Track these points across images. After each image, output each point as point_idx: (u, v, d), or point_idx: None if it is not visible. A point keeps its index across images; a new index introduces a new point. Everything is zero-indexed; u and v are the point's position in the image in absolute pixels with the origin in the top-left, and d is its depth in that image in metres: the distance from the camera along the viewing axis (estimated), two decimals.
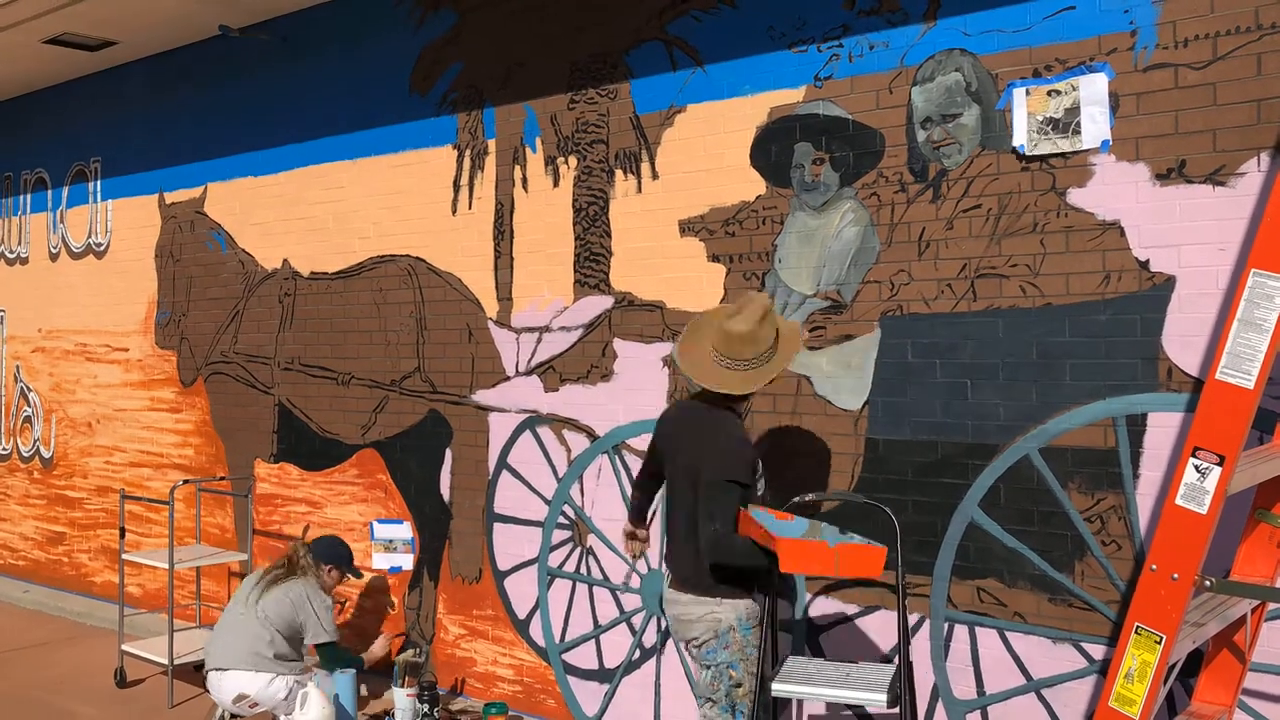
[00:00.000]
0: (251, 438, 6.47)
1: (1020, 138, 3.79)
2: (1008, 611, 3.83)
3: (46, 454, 8.03)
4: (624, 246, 4.85)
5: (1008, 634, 3.84)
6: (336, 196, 6.03)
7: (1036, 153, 3.75)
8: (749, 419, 4.37)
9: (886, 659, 4.04)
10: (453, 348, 5.48)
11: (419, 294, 5.63)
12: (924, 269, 4.00)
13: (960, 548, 3.92)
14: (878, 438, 4.11)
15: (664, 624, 4.70)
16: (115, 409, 7.44)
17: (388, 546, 5.46)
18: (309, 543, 5.08)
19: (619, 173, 4.87)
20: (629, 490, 4.81)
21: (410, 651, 5.19)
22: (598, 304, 4.93)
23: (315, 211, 6.14)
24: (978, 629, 3.90)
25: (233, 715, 4.86)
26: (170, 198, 7.04)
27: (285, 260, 6.30)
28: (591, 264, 4.96)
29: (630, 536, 4.10)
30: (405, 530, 5.48)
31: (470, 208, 5.43)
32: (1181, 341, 3.49)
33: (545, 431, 5.12)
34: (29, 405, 8.24)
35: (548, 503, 5.11)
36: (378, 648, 5.17)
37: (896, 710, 3.51)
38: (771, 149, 4.39)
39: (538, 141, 5.17)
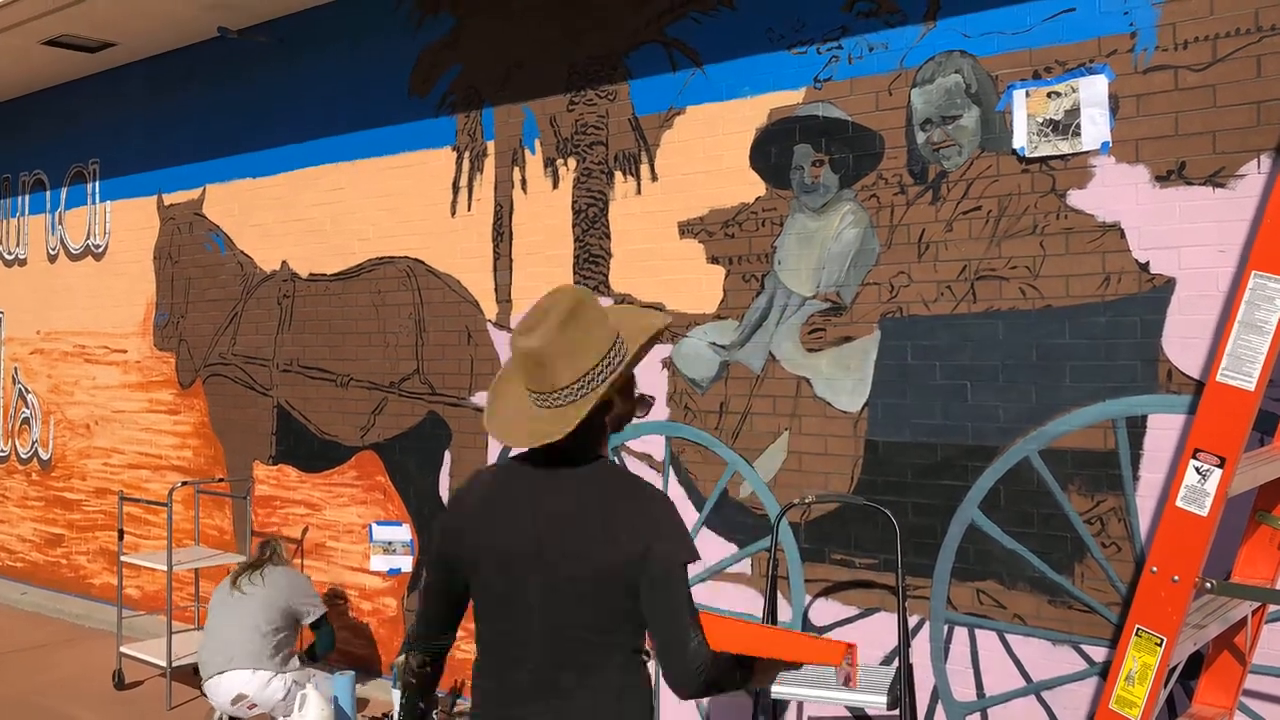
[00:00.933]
0: (250, 439, 6.46)
1: (1020, 139, 3.79)
2: (1007, 613, 3.83)
3: (45, 456, 8.02)
4: (623, 248, 4.85)
5: (1007, 636, 3.83)
6: (335, 198, 6.02)
7: (1036, 154, 3.75)
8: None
9: (886, 661, 4.03)
10: (452, 349, 5.47)
11: (418, 296, 5.62)
12: (924, 271, 3.99)
13: (960, 550, 3.92)
14: (877, 439, 4.10)
15: None
16: (114, 411, 7.43)
17: (386, 549, 5.46)
18: (270, 538, 5.21)
19: (618, 174, 4.87)
20: None
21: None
22: None
23: (314, 213, 6.13)
24: (977, 631, 3.89)
25: (231, 717, 4.85)
26: (169, 199, 7.03)
27: (284, 262, 6.29)
28: (591, 266, 4.95)
29: None
30: (404, 532, 5.48)
31: (469, 209, 5.42)
32: (1182, 343, 3.49)
33: None
34: (27, 407, 8.23)
35: None
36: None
37: (896, 712, 3.51)
38: (771, 151, 4.39)
39: (537, 143, 5.17)
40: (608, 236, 4.90)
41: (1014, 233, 3.81)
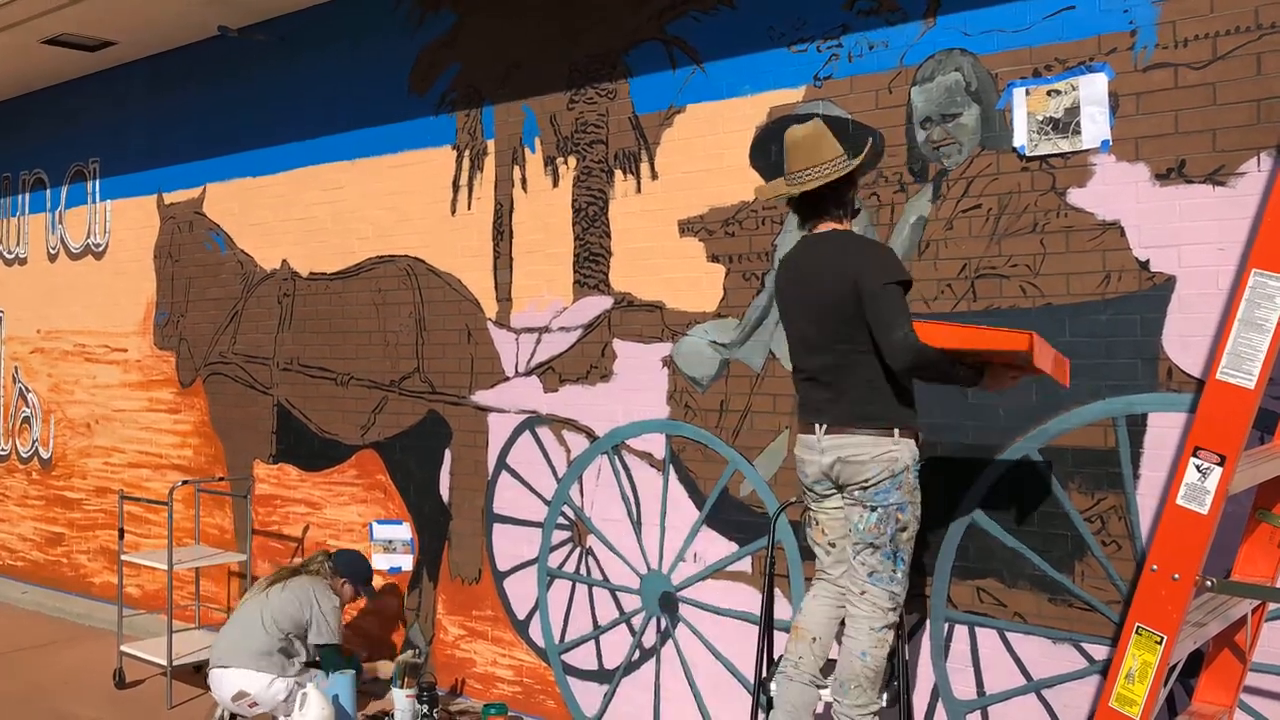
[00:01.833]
0: (250, 438, 6.46)
1: (1020, 138, 3.78)
2: (1008, 612, 3.83)
3: (45, 455, 8.02)
4: (623, 247, 4.85)
5: (1008, 634, 3.83)
6: (335, 197, 6.02)
7: (1036, 153, 3.75)
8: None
9: (886, 659, 4.03)
10: (452, 348, 5.48)
11: (418, 294, 5.62)
12: (924, 269, 3.99)
13: (960, 548, 3.92)
14: None
15: (664, 624, 4.70)
16: (114, 409, 7.43)
17: (387, 547, 5.45)
18: (332, 553, 5.15)
19: (618, 173, 4.86)
20: (628, 491, 4.81)
21: (410, 652, 5.18)
22: (597, 304, 4.93)
23: (314, 212, 6.13)
24: (978, 629, 3.90)
25: (232, 715, 4.86)
26: (169, 198, 7.03)
27: (284, 261, 6.29)
28: (591, 264, 4.95)
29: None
30: (404, 531, 5.47)
31: (469, 208, 5.42)
32: (1182, 341, 3.49)
33: (544, 432, 5.12)
34: (27, 406, 8.23)
35: (547, 503, 5.11)
36: (383, 668, 5.23)
37: (895, 709, 3.51)
38: (771, 149, 4.38)
39: (537, 142, 5.16)
40: (608, 235, 4.90)
41: (1014, 231, 3.81)
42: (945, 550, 3.94)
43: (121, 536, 6.12)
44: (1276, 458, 3.13)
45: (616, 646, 4.88)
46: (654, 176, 4.74)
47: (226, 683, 4.66)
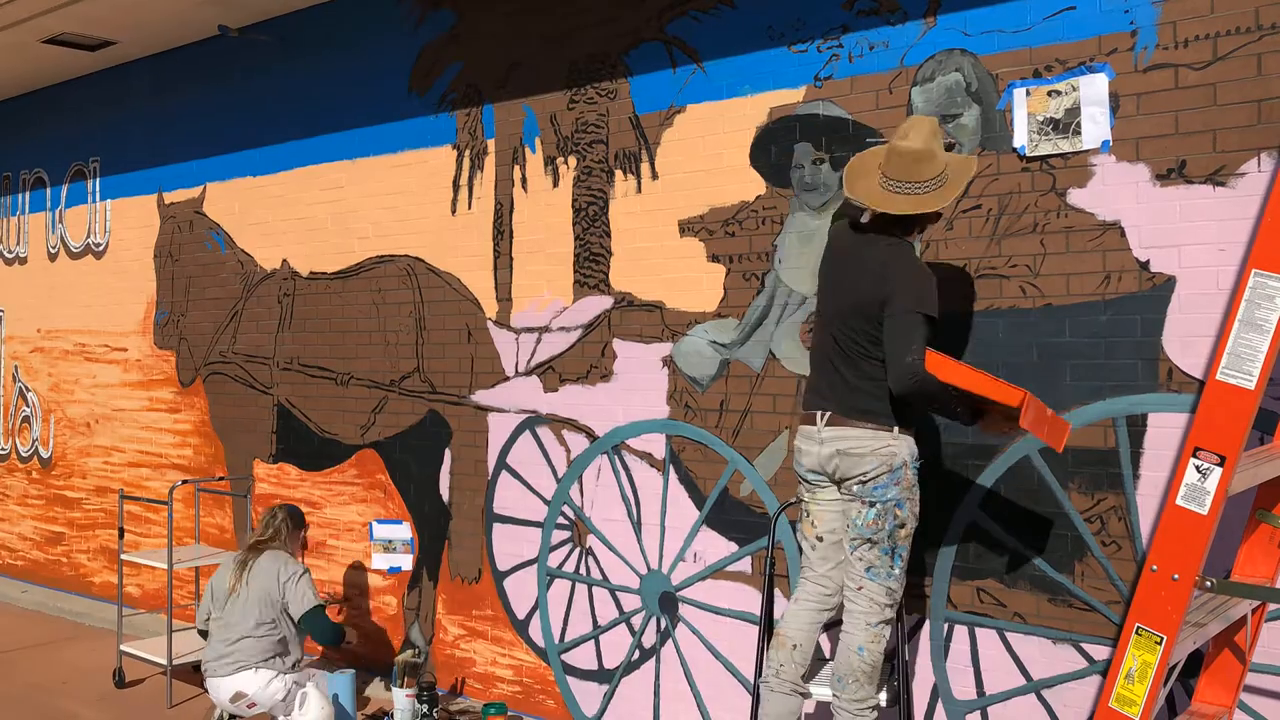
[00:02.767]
0: (250, 438, 6.46)
1: (1020, 138, 3.79)
2: (1007, 612, 3.83)
3: (45, 454, 8.03)
4: (624, 247, 4.85)
5: (1007, 634, 3.83)
6: (335, 196, 6.02)
7: (1037, 153, 3.75)
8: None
9: (886, 659, 4.03)
10: (452, 348, 5.48)
11: (418, 294, 5.62)
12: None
13: (960, 548, 3.92)
14: None
15: (663, 624, 4.70)
16: (114, 409, 7.43)
17: (387, 547, 5.45)
18: (276, 511, 4.94)
19: (619, 173, 4.87)
20: (628, 490, 4.81)
21: (410, 652, 5.18)
22: (597, 304, 4.93)
23: (314, 211, 6.13)
24: (977, 629, 3.90)
25: (231, 715, 4.85)
26: (169, 197, 7.03)
27: (284, 260, 6.29)
28: (591, 264, 4.95)
29: None
30: (404, 530, 5.47)
31: (470, 208, 5.42)
32: (1182, 342, 3.49)
33: (545, 432, 5.12)
34: (27, 405, 8.23)
35: (547, 503, 5.11)
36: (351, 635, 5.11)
37: (895, 709, 3.51)
38: (771, 149, 4.39)
39: (537, 141, 5.16)
40: (608, 235, 4.90)
41: (1014, 231, 3.81)
42: (945, 550, 3.94)
43: (121, 536, 6.12)
44: (1276, 458, 3.13)
45: (616, 646, 4.88)
46: (654, 176, 4.75)
47: (224, 686, 4.64)
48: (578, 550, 5.01)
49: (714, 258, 4.56)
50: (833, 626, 3.90)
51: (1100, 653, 3.64)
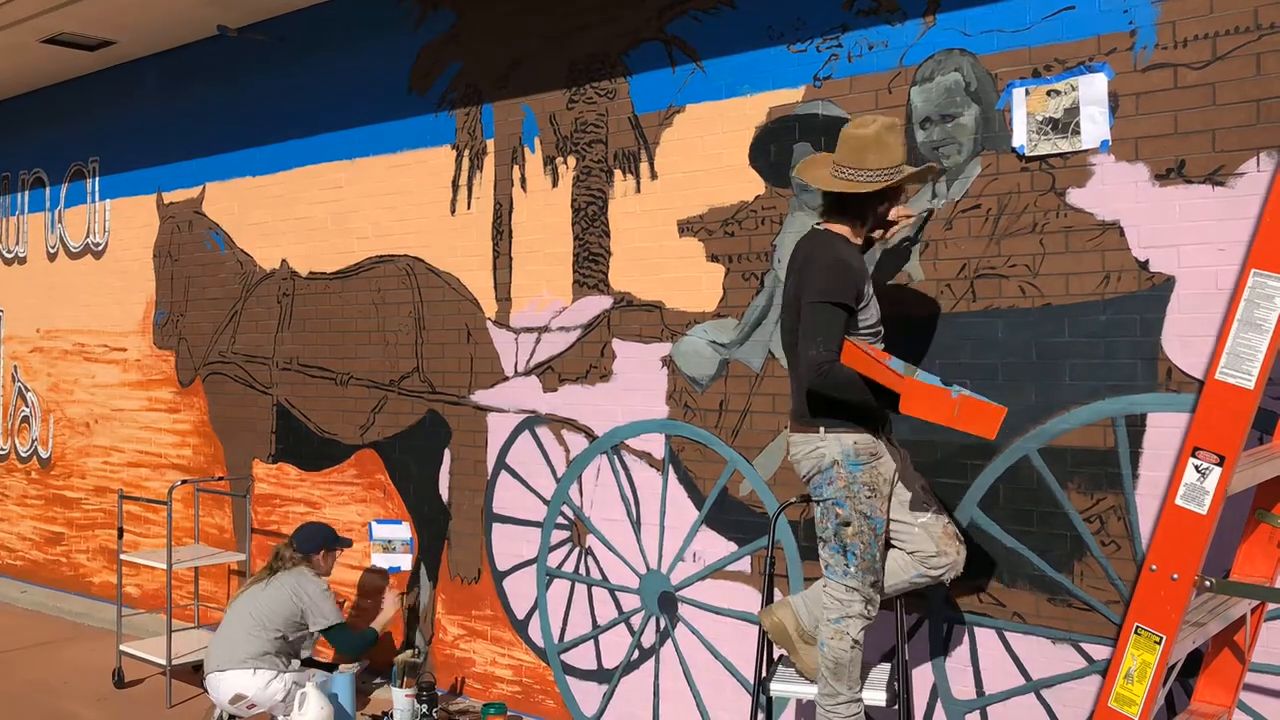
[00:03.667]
0: (250, 438, 6.46)
1: (1020, 138, 3.79)
2: (1007, 611, 3.83)
3: (44, 454, 8.02)
4: (623, 246, 4.85)
5: (1007, 634, 3.83)
6: (335, 196, 6.02)
7: (1036, 153, 3.75)
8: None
9: (885, 659, 4.03)
10: (451, 348, 5.48)
11: (417, 294, 5.62)
12: (923, 269, 3.99)
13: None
14: None
15: (663, 624, 4.70)
16: (113, 409, 7.43)
17: (386, 547, 5.46)
18: (290, 542, 5.04)
19: (618, 173, 4.86)
20: (628, 490, 4.81)
21: (409, 652, 5.18)
22: (596, 304, 4.93)
23: (313, 211, 6.13)
24: (977, 629, 3.90)
25: (231, 716, 4.85)
26: (168, 197, 7.03)
27: (283, 260, 6.29)
28: (590, 264, 4.95)
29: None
30: (404, 530, 5.48)
31: (469, 208, 5.42)
32: (1181, 342, 3.49)
33: (544, 432, 5.12)
34: (27, 405, 8.23)
35: (546, 503, 5.11)
36: (388, 606, 5.15)
37: (895, 708, 3.51)
38: (771, 149, 4.39)
39: (536, 141, 5.16)
40: (607, 235, 4.90)
41: (1013, 231, 3.81)
42: None
43: (121, 536, 6.12)
44: (1276, 458, 3.13)
45: (616, 646, 4.88)
46: (653, 176, 4.74)
47: (224, 686, 4.65)
48: (577, 550, 5.01)
49: (713, 257, 4.56)
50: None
51: (1099, 652, 3.64)
